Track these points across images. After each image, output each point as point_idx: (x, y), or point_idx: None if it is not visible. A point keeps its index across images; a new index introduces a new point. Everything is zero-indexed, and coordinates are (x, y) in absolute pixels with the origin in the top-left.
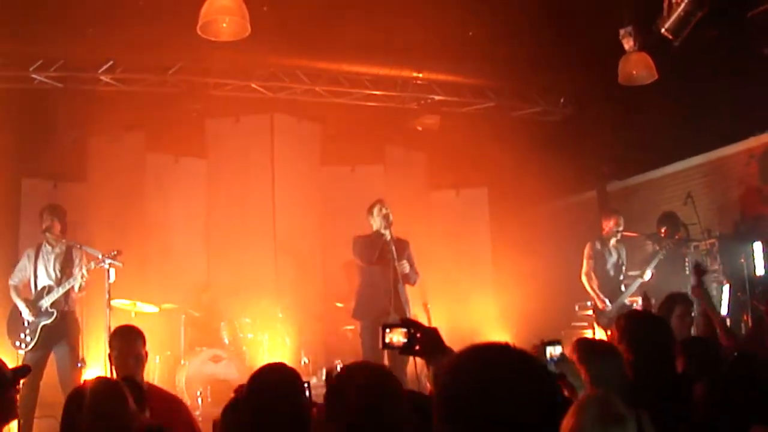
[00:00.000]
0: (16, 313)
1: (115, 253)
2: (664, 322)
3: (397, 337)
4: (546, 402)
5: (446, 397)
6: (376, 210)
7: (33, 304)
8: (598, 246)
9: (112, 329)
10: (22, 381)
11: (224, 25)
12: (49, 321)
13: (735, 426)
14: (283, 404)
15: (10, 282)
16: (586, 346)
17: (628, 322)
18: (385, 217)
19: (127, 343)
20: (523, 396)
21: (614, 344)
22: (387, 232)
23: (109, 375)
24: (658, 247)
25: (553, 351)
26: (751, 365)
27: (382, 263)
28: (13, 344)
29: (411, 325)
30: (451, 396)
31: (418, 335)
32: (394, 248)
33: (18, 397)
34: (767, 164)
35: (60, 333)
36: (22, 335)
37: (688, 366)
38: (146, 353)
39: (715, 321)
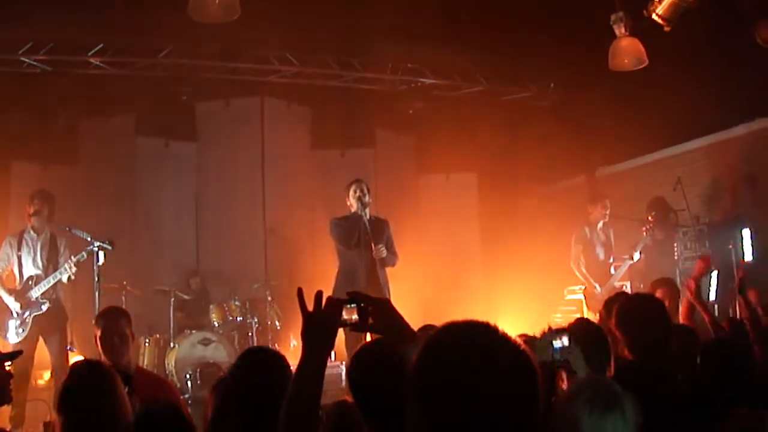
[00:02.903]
0: (1, 302)
1: (107, 242)
2: (663, 305)
3: (349, 314)
4: (524, 383)
5: (420, 373)
6: (351, 191)
7: (21, 295)
8: (586, 231)
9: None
10: (9, 364)
11: (214, 6)
12: (41, 312)
13: (715, 408)
14: (270, 386)
15: None
16: (580, 331)
17: (628, 303)
18: (360, 198)
19: (111, 323)
20: (500, 375)
21: (603, 327)
22: (364, 214)
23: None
24: (645, 231)
25: (560, 339)
26: (725, 349)
27: (360, 246)
28: (4, 337)
29: (360, 300)
30: (425, 372)
31: (370, 309)
32: (370, 231)
33: (12, 381)
34: (757, 151)
35: (51, 321)
36: (13, 327)
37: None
38: (132, 334)
39: (706, 316)
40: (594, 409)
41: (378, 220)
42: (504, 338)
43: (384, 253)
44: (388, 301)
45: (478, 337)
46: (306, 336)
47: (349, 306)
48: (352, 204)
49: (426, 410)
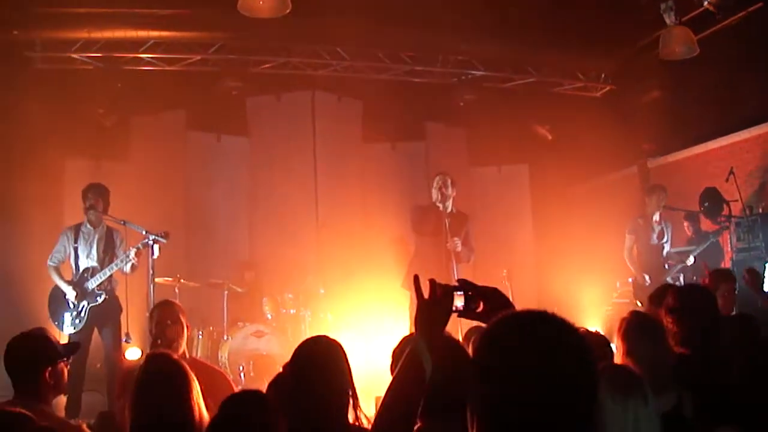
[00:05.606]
0: (58, 294)
1: (164, 233)
2: (712, 296)
3: (456, 300)
4: (583, 369)
5: (482, 356)
6: (434, 182)
7: (78, 286)
8: (641, 222)
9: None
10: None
11: (265, 2)
12: (96, 303)
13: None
14: (325, 374)
15: (49, 263)
16: (634, 324)
17: (677, 295)
18: (440, 189)
19: (165, 315)
20: (559, 361)
21: (654, 318)
22: (444, 206)
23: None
24: (714, 224)
25: None
26: None
27: (436, 236)
28: (59, 326)
29: (468, 287)
30: (487, 357)
31: (477, 297)
32: (447, 223)
33: (67, 372)
34: None
35: (106, 313)
36: (69, 319)
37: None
38: (185, 326)
39: None
40: (616, 394)
41: (459, 214)
42: (565, 325)
43: (458, 246)
44: (497, 289)
45: (539, 323)
46: (420, 322)
47: (457, 293)
48: (433, 193)
49: (485, 392)
